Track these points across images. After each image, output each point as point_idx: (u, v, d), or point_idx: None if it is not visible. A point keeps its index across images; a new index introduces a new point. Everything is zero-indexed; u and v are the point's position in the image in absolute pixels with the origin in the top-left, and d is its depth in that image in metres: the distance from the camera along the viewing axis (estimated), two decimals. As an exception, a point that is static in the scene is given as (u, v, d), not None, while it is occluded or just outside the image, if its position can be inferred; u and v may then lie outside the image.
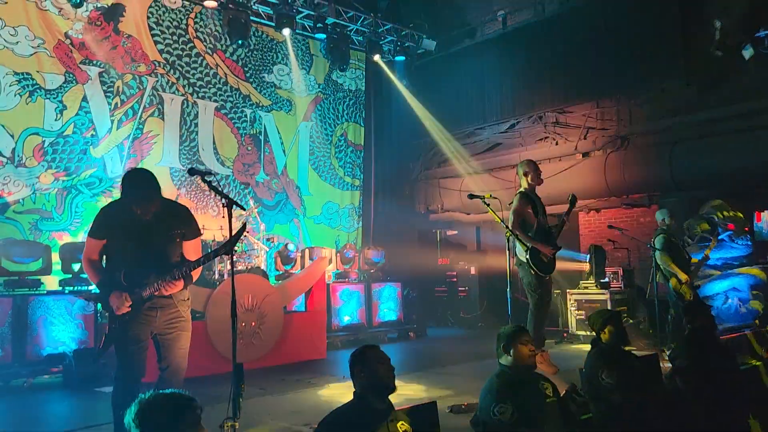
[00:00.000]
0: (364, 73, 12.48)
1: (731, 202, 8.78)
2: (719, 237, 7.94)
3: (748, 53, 8.01)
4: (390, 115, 12.75)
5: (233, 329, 3.39)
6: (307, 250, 9.90)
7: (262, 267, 8.48)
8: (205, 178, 3.67)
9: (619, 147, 10.60)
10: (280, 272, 9.26)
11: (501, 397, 3.50)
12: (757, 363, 6.21)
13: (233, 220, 3.56)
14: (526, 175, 6.30)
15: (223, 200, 3.49)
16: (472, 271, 11.68)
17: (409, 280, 11.21)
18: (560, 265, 9.30)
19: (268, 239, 10.04)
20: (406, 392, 5.72)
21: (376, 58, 11.68)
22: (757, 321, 7.69)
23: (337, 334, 9.28)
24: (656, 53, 9.70)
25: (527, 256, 6.03)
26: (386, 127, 12.83)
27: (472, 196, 5.60)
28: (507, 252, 5.57)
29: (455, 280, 11.89)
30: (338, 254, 10.41)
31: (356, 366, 3.06)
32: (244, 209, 3.58)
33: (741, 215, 7.82)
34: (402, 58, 11.82)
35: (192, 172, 3.77)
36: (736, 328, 7.52)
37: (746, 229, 8.37)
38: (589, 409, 4.51)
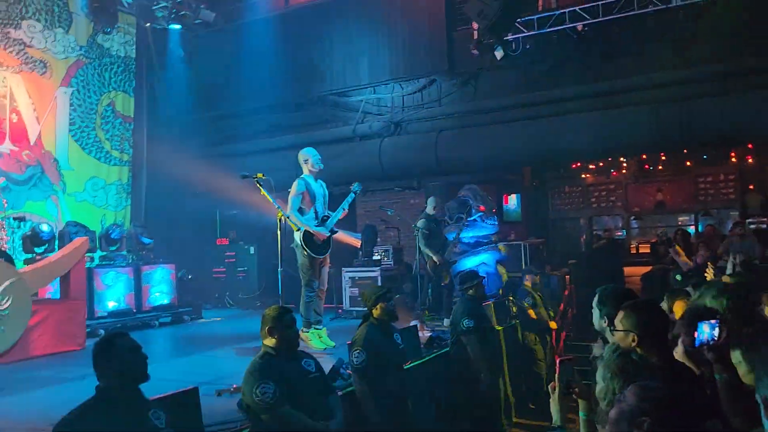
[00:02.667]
0: (134, 38, 11.50)
1: (484, 187, 9.84)
2: (472, 218, 8.86)
3: (499, 53, 8.99)
4: (165, 86, 11.97)
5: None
6: (65, 231, 8.91)
7: (5, 249, 7.46)
8: None
9: (392, 132, 11.24)
10: (31, 255, 8.23)
11: (263, 378, 3.51)
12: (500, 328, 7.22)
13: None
14: (306, 162, 6.46)
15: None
16: (251, 250, 11.56)
17: (185, 261, 10.73)
18: (335, 243, 9.62)
19: (16, 218, 8.87)
20: (172, 379, 5.47)
21: (147, 25, 10.84)
22: (500, 291, 8.77)
23: (101, 321, 8.54)
24: (427, 48, 10.41)
25: (301, 238, 6.17)
26: (161, 99, 12.02)
27: (244, 176, 5.51)
28: (278, 232, 5.59)
29: (234, 260, 11.67)
30: (103, 235, 9.55)
31: (101, 357, 2.83)
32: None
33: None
34: (178, 26, 11.12)
35: None
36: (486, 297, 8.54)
37: (494, 210, 9.46)
38: (353, 382, 4.76)
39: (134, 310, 9.20)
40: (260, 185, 5.40)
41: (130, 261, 9.63)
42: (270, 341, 3.72)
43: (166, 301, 9.80)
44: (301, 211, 6.30)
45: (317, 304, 6.54)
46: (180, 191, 12.16)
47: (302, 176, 6.45)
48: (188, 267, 10.80)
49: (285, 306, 4.06)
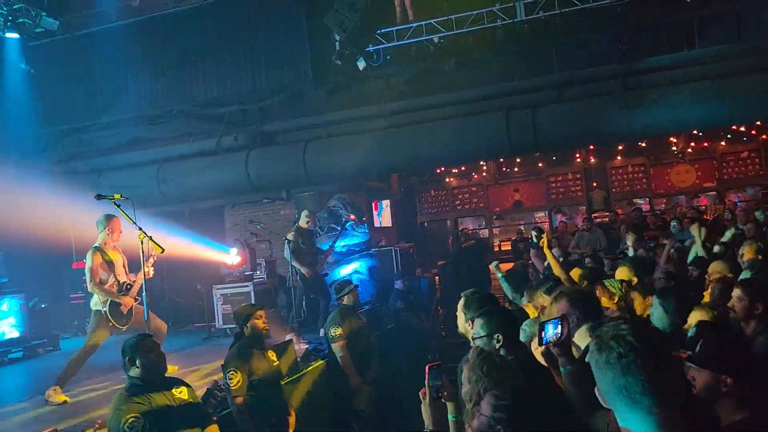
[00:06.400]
0: (-36, 48, 10.40)
1: (354, 195, 9.98)
2: (344, 227, 8.96)
3: (361, 64, 9.17)
4: (3, 99, 10.93)
5: None
6: None
7: None
8: None
9: (259, 144, 11.07)
10: None
11: (130, 412, 3.35)
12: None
13: None
14: (102, 230, 6.10)
15: None
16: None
17: (38, 288, 9.90)
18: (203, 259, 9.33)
19: None
20: (28, 422, 5.04)
21: (-23, 32, 9.85)
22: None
23: (-64, 364, 7.65)
24: (289, 59, 10.35)
25: (106, 308, 5.95)
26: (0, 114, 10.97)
27: (99, 197, 5.18)
28: (141, 254, 5.32)
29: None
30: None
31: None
32: None
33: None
34: (15, 34, 10.20)
35: None
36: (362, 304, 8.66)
37: (364, 219, 9.63)
38: (228, 404, 4.65)
39: (-23, 348, 8.33)
40: (118, 206, 5.10)
41: (-30, 293, 8.71)
42: (135, 371, 3.56)
43: (16, 335, 8.97)
44: (101, 280, 6.00)
45: (80, 366, 6.09)
46: (28, 213, 11.16)
47: (97, 244, 6.07)
48: (41, 294, 9.97)
49: (144, 333, 3.90)
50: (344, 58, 9.34)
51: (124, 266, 6.23)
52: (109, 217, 6.07)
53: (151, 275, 5.98)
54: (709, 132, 15.46)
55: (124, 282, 6.14)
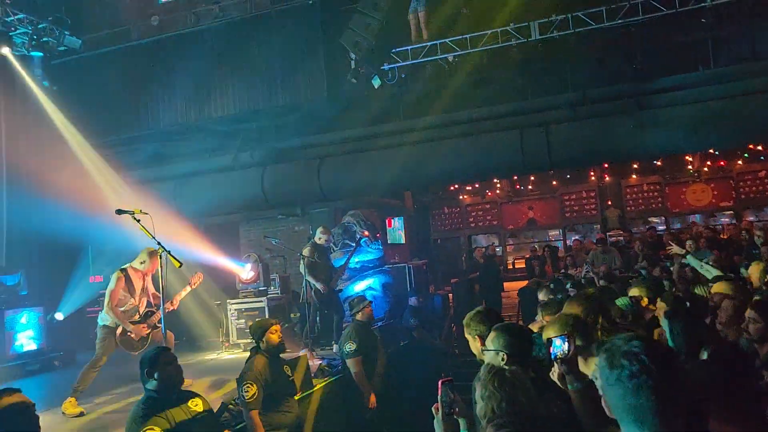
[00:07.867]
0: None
1: (367, 212, 10.03)
2: (359, 243, 9.01)
3: (376, 83, 9.29)
4: (26, 116, 11.14)
5: None
6: None
7: None
8: None
9: (275, 160, 11.19)
10: None
11: (147, 424, 3.40)
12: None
13: None
14: (141, 263, 6.33)
15: None
16: (129, 287, 10.96)
17: (55, 302, 10.02)
18: (218, 274, 9.41)
19: None
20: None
21: (5, 51, 10.09)
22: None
23: (-43, 375, 7.75)
24: (305, 77, 10.50)
25: (117, 338, 6.12)
26: (22, 129, 11.17)
27: (120, 212, 5.27)
28: (160, 269, 5.39)
29: (110, 298, 11.00)
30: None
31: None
32: None
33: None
34: (39, 54, 10.45)
35: None
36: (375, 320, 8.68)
37: (378, 235, 9.67)
38: (242, 417, 4.69)
39: (-4, 360, 8.43)
40: (138, 221, 5.18)
41: (-9, 305, 8.83)
42: (152, 384, 3.61)
43: (34, 347, 9.08)
44: (118, 302, 6.17)
45: (92, 377, 6.14)
46: (49, 226, 11.34)
47: (122, 267, 6.29)
48: (59, 307, 10.08)
49: (160, 346, 3.96)
50: (359, 76, 9.48)
51: (144, 289, 6.36)
52: (152, 255, 6.23)
53: (175, 307, 6.17)
54: (726, 151, 15.36)
55: (146, 310, 6.30)
